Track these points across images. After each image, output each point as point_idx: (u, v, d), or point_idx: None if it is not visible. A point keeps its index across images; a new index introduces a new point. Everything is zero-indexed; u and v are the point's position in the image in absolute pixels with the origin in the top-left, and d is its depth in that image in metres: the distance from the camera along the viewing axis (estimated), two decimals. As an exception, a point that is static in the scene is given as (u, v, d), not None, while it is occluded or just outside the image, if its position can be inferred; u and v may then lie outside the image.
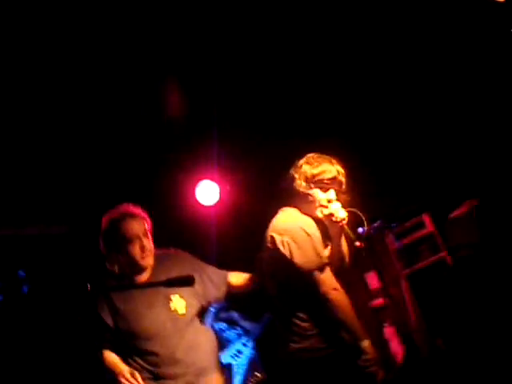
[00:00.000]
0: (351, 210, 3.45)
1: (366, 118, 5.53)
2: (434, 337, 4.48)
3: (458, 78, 5.18)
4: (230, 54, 5.00)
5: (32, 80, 4.57)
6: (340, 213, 3.38)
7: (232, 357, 5.04)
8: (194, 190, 5.50)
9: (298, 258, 3.31)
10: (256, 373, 4.69)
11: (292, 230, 3.38)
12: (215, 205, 5.42)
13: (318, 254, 3.33)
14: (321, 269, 3.30)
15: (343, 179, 3.55)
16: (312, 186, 3.47)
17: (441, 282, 4.85)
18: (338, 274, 3.49)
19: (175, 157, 5.50)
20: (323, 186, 3.48)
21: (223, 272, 3.84)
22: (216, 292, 3.77)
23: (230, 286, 3.81)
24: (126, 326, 3.50)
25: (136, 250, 3.55)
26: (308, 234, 3.36)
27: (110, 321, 3.51)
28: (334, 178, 3.49)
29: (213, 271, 3.80)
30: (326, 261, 3.36)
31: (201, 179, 5.53)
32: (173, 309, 3.55)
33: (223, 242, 5.19)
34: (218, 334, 5.00)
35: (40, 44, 4.39)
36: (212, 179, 5.49)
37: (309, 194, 3.47)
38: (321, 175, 3.48)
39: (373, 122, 5.54)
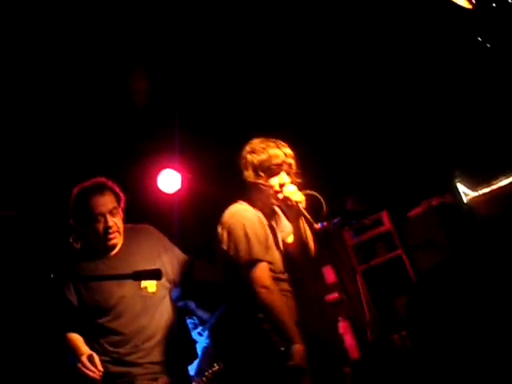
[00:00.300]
0: (308, 193, 3.27)
1: (326, 116, 5.59)
2: (387, 332, 4.57)
3: (415, 76, 5.28)
4: (194, 45, 4.99)
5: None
6: (296, 195, 3.24)
7: (187, 346, 5.06)
8: (155, 178, 5.48)
9: (232, 252, 3.22)
10: (214, 364, 4.68)
11: (231, 223, 3.27)
12: (176, 193, 5.40)
13: (251, 250, 3.18)
14: (251, 265, 3.15)
15: (292, 161, 3.35)
16: (261, 174, 3.30)
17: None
18: (303, 262, 3.41)
19: (137, 145, 5.46)
20: (272, 171, 3.29)
21: (190, 259, 3.71)
22: (181, 277, 3.63)
23: (193, 275, 3.72)
24: (93, 302, 3.37)
25: (101, 228, 3.41)
26: (245, 228, 3.23)
27: (74, 299, 3.39)
28: (282, 162, 3.31)
29: (181, 256, 3.67)
30: (258, 257, 3.17)
31: (163, 168, 5.51)
32: (143, 286, 3.42)
33: (184, 230, 5.18)
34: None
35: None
36: (174, 168, 5.48)
37: (259, 184, 3.30)
38: (268, 161, 3.30)
39: (333, 120, 5.60)
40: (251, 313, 3.17)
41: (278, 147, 3.34)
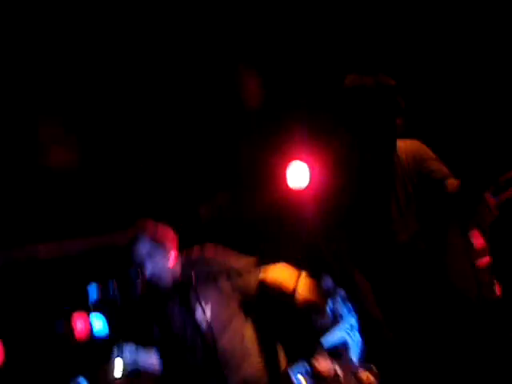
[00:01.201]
0: None
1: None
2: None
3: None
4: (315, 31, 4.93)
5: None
6: None
7: (347, 332, 5.12)
8: (284, 172, 5.52)
9: None
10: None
11: None
12: (306, 188, 5.40)
13: None
14: None
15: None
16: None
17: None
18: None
19: (263, 138, 5.52)
20: None
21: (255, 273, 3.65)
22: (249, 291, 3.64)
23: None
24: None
25: None
26: None
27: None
28: None
29: (240, 273, 3.64)
30: None
31: (291, 161, 5.53)
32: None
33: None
34: (330, 310, 5.11)
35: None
36: (302, 160, 5.48)
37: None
38: None
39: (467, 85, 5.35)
40: None
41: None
